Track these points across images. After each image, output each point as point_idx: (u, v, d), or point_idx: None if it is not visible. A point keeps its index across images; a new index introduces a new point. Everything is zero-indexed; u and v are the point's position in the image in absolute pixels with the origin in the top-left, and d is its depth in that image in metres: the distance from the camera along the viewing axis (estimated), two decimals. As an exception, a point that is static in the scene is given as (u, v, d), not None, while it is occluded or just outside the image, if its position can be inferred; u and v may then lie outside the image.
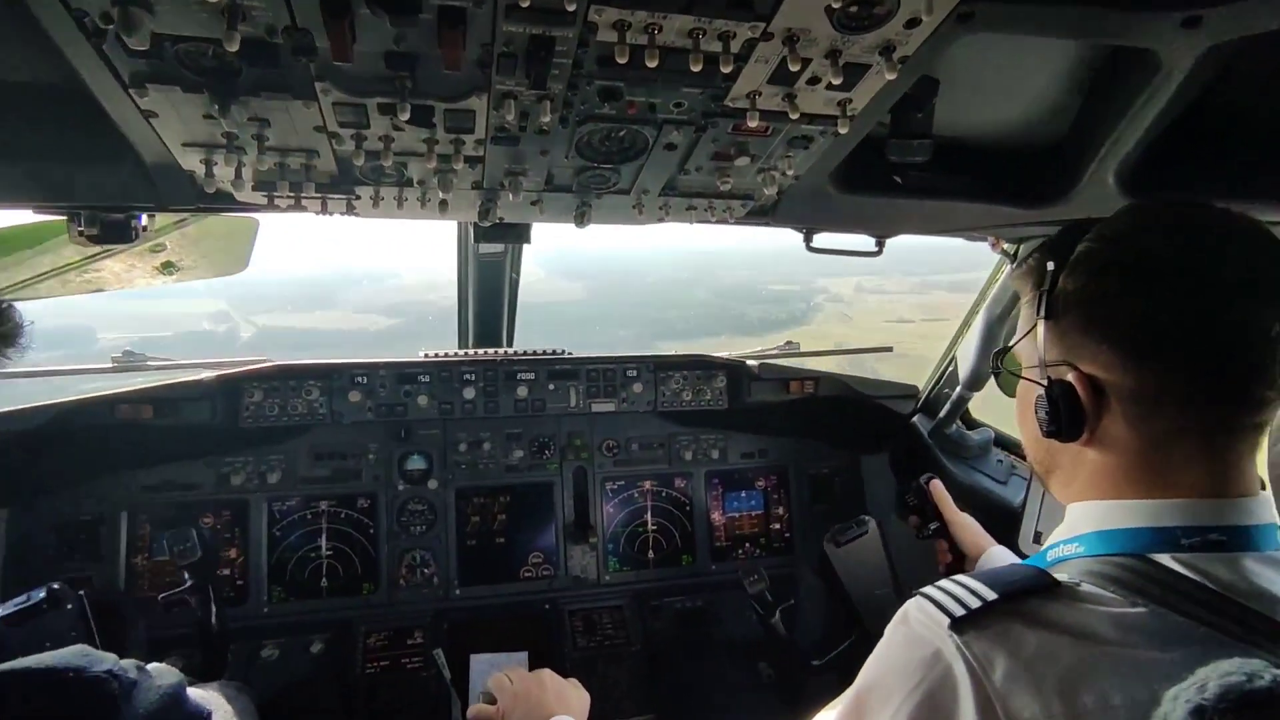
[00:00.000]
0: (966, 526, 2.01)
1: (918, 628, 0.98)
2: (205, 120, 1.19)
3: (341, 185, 1.44)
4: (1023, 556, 2.02)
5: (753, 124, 1.29)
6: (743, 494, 2.81)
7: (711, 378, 2.67)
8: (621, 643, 2.50)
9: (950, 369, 2.51)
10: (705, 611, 2.62)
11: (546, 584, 2.56)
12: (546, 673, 1.62)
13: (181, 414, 2.29)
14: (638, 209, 1.68)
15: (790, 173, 1.52)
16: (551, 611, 2.52)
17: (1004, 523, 2.17)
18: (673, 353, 2.70)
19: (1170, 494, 0.97)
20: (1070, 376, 1.01)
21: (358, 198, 1.50)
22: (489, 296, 2.67)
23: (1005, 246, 1.98)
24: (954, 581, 1.01)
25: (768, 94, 1.25)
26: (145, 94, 1.13)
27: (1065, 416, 1.02)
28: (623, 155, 1.44)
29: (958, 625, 0.92)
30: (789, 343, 2.70)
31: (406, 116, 1.15)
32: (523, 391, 2.57)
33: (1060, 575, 0.97)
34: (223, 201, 1.47)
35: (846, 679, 2.53)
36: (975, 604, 0.94)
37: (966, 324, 2.46)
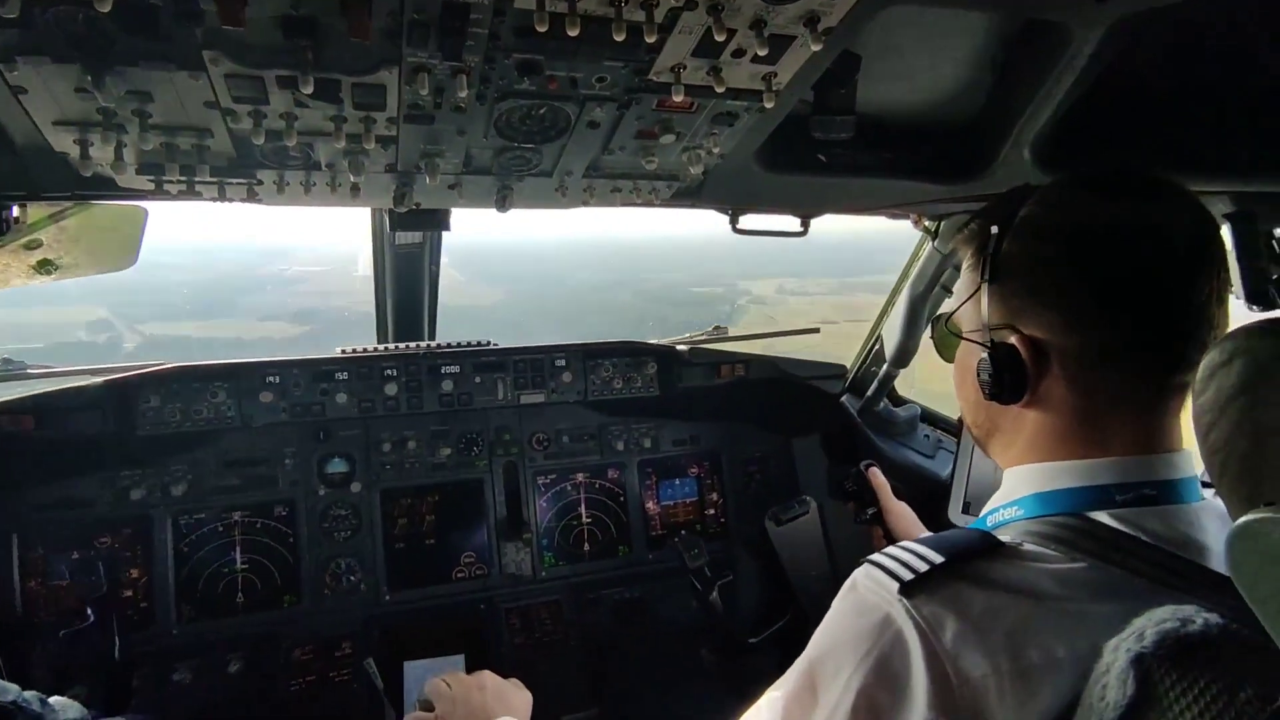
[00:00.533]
0: (902, 515, 2.07)
1: (867, 595, 0.98)
2: (78, 95, 1.07)
3: (241, 169, 1.33)
4: (952, 528, 2.09)
5: (678, 98, 1.25)
6: (676, 482, 2.80)
7: (642, 365, 2.65)
8: (560, 638, 2.45)
9: (876, 348, 2.57)
10: (643, 601, 2.60)
11: (481, 583, 2.48)
12: (486, 674, 1.57)
13: (68, 424, 2.10)
14: (561, 191, 1.63)
15: (716, 150, 1.50)
16: (487, 611, 2.45)
17: (933, 495, 2.25)
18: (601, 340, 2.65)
19: (1105, 453, 1.01)
20: (1013, 339, 1.04)
21: (259, 183, 1.39)
22: (408, 289, 2.55)
23: (926, 224, 2.03)
24: (900, 548, 1.02)
25: (692, 67, 1.22)
26: (14, 68, 1.01)
27: (1008, 378, 1.04)
28: (544, 134, 1.39)
29: (907, 590, 0.93)
30: (717, 327, 2.71)
31: (310, 90, 1.06)
32: (448, 386, 2.47)
33: (1003, 537, 0.99)
34: (104, 188, 1.34)
35: (783, 657, 2.59)
36: (923, 568, 0.95)
37: (890, 303, 2.52)
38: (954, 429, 2.65)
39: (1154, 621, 0.81)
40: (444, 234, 2.40)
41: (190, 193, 1.39)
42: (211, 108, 1.15)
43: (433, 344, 2.49)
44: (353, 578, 2.36)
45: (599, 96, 1.29)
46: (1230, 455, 0.80)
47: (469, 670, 2.26)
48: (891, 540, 2.07)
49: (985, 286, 1.08)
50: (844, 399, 2.72)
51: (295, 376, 2.32)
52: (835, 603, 1.03)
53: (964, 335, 1.16)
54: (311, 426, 2.36)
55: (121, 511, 2.19)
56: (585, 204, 1.72)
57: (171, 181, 1.32)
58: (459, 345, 2.49)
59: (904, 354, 2.30)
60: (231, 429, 2.28)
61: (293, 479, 2.35)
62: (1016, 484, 1.10)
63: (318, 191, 1.45)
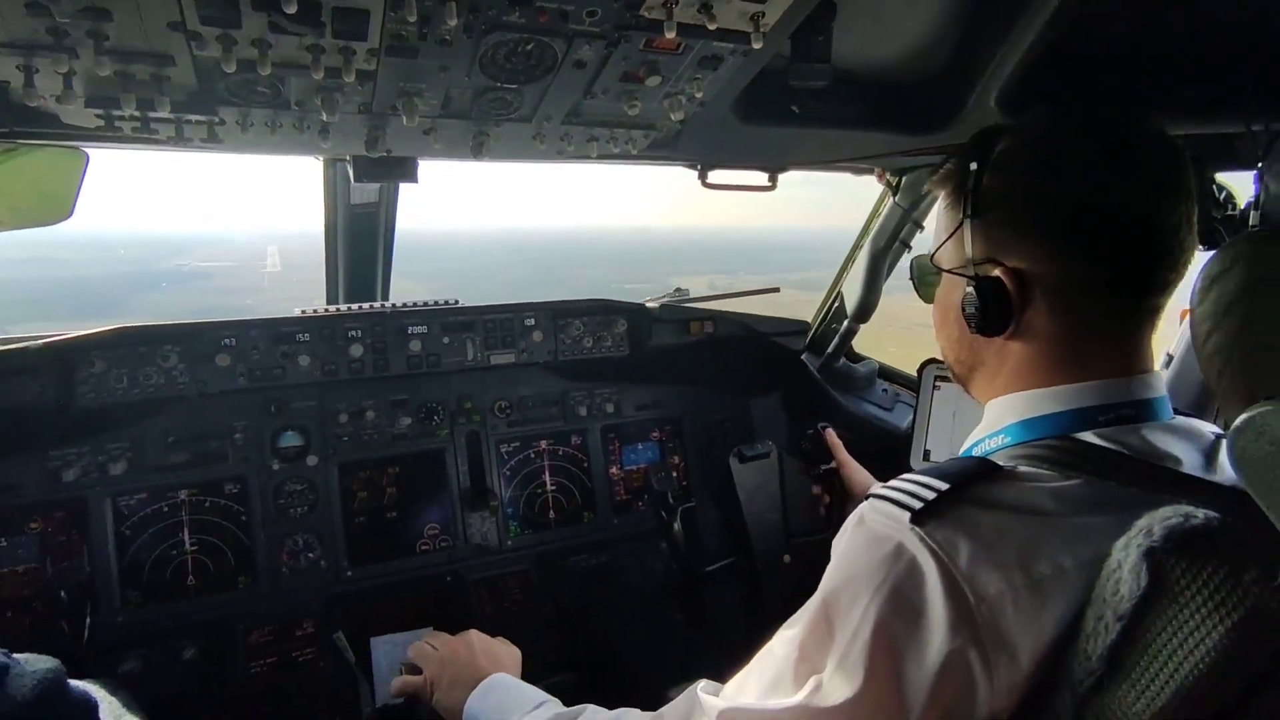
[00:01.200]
0: (857, 470, 2.16)
1: (877, 527, 1.00)
2: (29, 11, 0.97)
3: (202, 104, 1.24)
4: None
5: (670, 35, 1.23)
6: (639, 446, 2.80)
7: (612, 323, 2.62)
8: (530, 607, 2.42)
9: (835, 305, 2.63)
10: (610, 566, 2.59)
11: (446, 556, 2.42)
12: (473, 633, 1.54)
13: (3, 392, 1.92)
14: (539, 139, 1.59)
15: (699, 96, 1.49)
16: (454, 583, 2.39)
17: (893, 445, 2.32)
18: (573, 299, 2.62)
19: (1088, 376, 1.06)
20: (997, 271, 1.07)
21: (221, 122, 1.30)
22: (362, 248, 2.44)
23: (889, 178, 2.08)
24: (902, 480, 1.05)
25: (684, 3, 1.20)
26: None
27: (995, 310, 1.07)
28: (529, 74, 1.34)
29: (918, 518, 0.96)
30: (678, 289, 2.71)
31: (293, 10, 0.99)
32: (415, 346, 2.39)
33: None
34: (45, 125, 1.22)
35: (733, 593, 2.65)
36: (930, 496, 0.97)
37: (850, 260, 2.58)
38: (911, 383, 2.75)
39: (1159, 519, 0.86)
40: (399, 195, 2.32)
41: (144, 131, 1.28)
42: (176, 30, 1.06)
43: (398, 303, 2.39)
44: (311, 555, 2.27)
45: (588, 33, 1.26)
46: (1230, 358, 0.85)
47: (440, 642, 2.23)
48: (841, 496, 2.15)
49: (968, 222, 1.11)
50: (803, 356, 2.77)
51: (253, 338, 2.19)
52: (843, 538, 1.05)
53: (950, 270, 1.18)
54: (263, 399, 2.24)
55: (53, 495, 2.02)
56: (560, 154, 1.68)
57: (125, 118, 1.21)
58: (425, 304, 2.41)
59: (865, 309, 2.36)
60: (179, 399, 2.13)
61: (244, 454, 2.23)
62: (1002, 413, 1.14)
63: (284, 133, 1.36)
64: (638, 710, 1.21)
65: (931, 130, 1.72)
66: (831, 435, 2.18)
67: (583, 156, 1.70)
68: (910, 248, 2.38)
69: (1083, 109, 1.12)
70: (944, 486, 0.98)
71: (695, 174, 2.00)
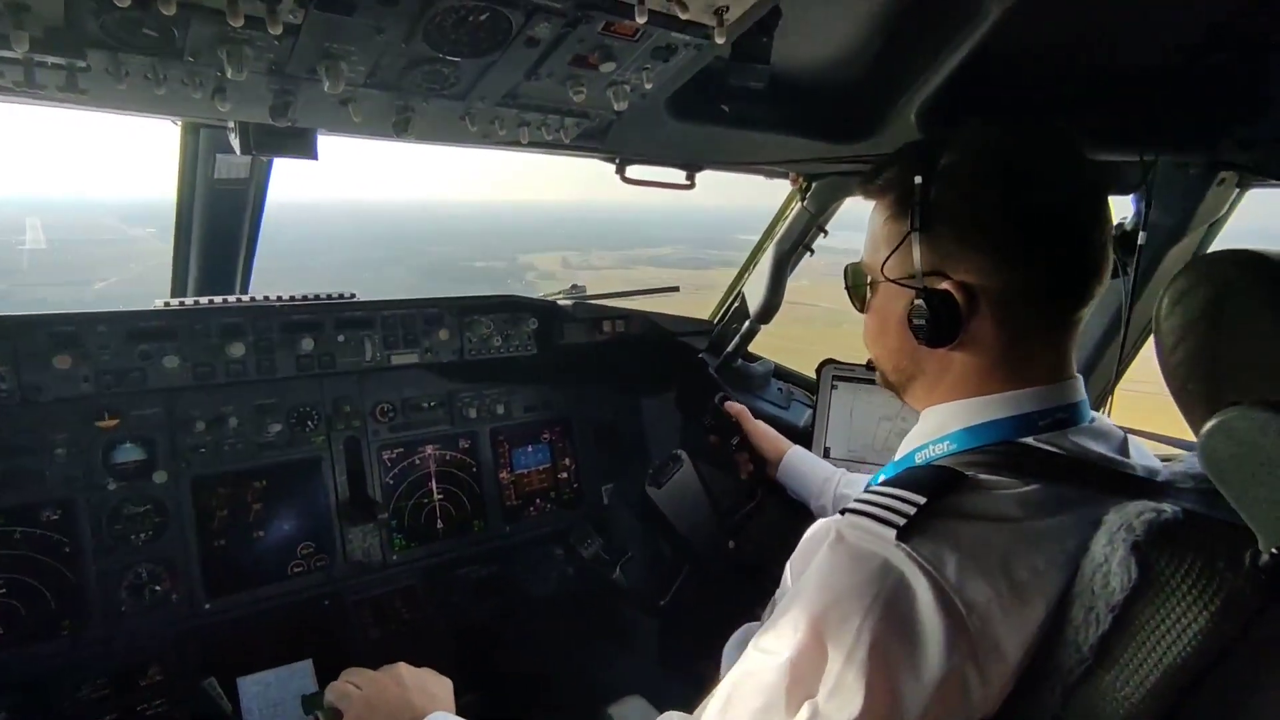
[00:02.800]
0: (765, 434, 2.17)
1: (859, 544, 1.00)
2: None
3: (66, 44, 0.98)
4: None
5: (640, 20, 1.15)
6: (529, 449, 2.68)
7: (521, 321, 2.47)
8: (420, 626, 2.23)
9: (736, 305, 2.65)
10: (503, 576, 2.45)
11: (323, 576, 2.17)
12: (402, 666, 1.37)
13: None
14: (467, 120, 1.44)
15: (647, 87, 1.41)
16: (333, 607, 2.15)
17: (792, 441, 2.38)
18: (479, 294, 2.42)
19: (1028, 383, 1.12)
20: (945, 285, 1.09)
21: (86, 68, 1.03)
22: (222, 231, 2.09)
23: (802, 183, 2.12)
24: (873, 494, 1.05)
25: (657, -13, 1.13)
26: None
27: (945, 322, 1.10)
28: (474, 46, 1.20)
29: (904, 534, 0.96)
30: (574, 286, 2.61)
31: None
32: (307, 345, 2.09)
33: None
34: None
35: (684, 614, 2.61)
36: (910, 510, 0.99)
37: (752, 261, 2.62)
38: (805, 383, 2.85)
39: (1134, 514, 0.92)
40: (271, 173, 2.03)
41: (-20, 73, 0.99)
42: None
43: (286, 296, 2.08)
44: (159, 588, 1.93)
45: (550, 8, 1.14)
46: (1194, 369, 0.92)
47: (319, 675, 1.99)
48: (759, 461, 2.17)
49: (915, 235, 1.13)
50: (701, 355, 2.78)
51: (102, 335, 1.81)
52: (822, 558, 1.04)
53: (897, 281, 1.18)
54: (91, 407, 1.87)
55: None
56: (486, 139, 1.54)
57: (-47, 53, 0.93)
58: (315, 297, 2.11)
59: (768, 309, 2.41)
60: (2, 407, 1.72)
61: (67, 473, 1.85)
62: (944, 420, 1.18)
63: (169, 91, 1.11)
64: None
65: (851, 139, 1.76)
66: (733, 404, 2.19)
67: (510, 142, 1.56)
68: (812, 251, 2.46)
69: (1014, 126, 1.17)
70: (920, 500, 0.99)
71: (613, 168, 1.93)
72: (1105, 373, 1.83)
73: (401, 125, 1.36)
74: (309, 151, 1.47)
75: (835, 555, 1.02)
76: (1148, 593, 0.88)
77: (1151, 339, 0.98)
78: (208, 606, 1.98)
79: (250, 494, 2.10)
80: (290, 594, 2.10)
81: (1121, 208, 1.71)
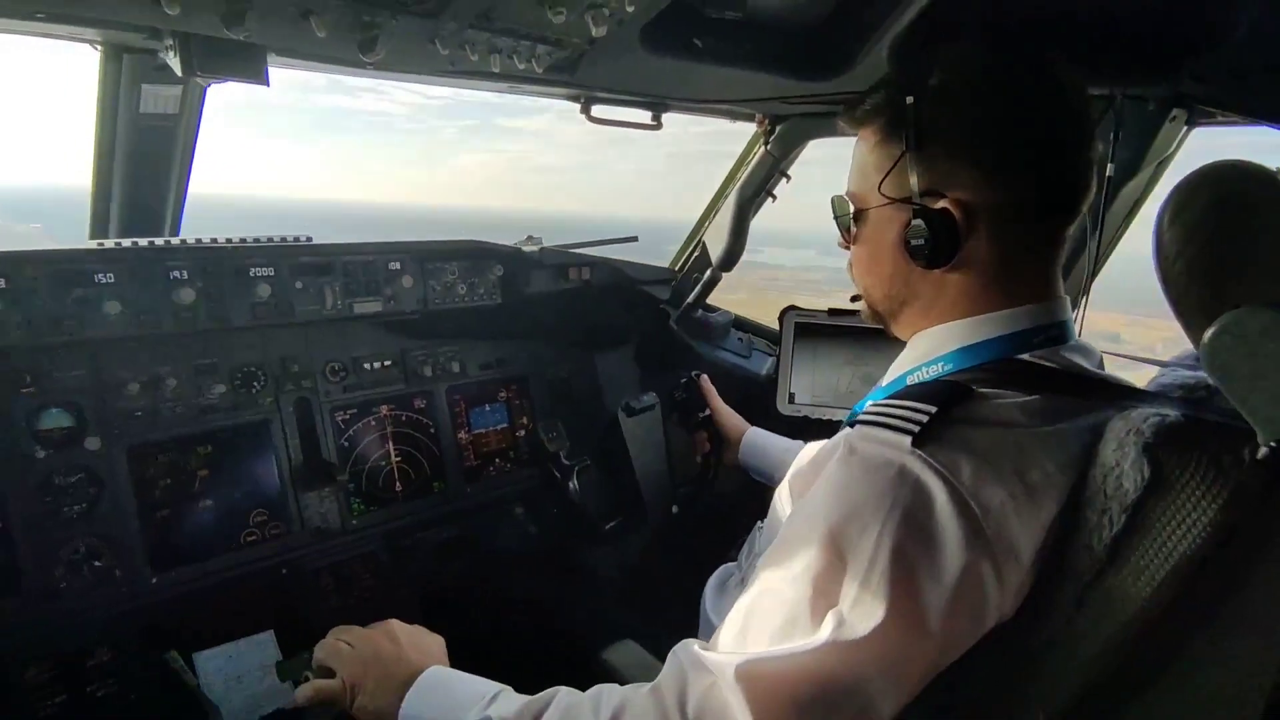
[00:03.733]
0: (731, 415, 2.21)
1: (874, 454, 1.01)
2: None
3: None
4: (781, 418, 2.27)
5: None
6: (486, 408, 2.59)
7: (486, 268, 2.36)
8: (383, 591, 2.15)
9: (696, 254, 2.63)
10: (465, 538, 2.39)
11: (280, 544, 2.05)
12: (394, 623, 1.32)
13: None
14: (438, 43, 1.35)
15: (630, 9, 1.36)
16: (291, 575, 2.04)
17: (753, 391, 2.40)
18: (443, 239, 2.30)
19: (1020, 301, 1.14)
20: (943, 203, 1.09)
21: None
22: (149, 170, 1.90)
23: (766, 125, 2.10)
24: (884, 405, 1.06)
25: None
26: None
27: (944, 241, 1.10)
28: (454, -46, 1.12)
29: (919, 441, 0.97)
30: (530, 237, 2.52)
31: None
32: (263, 291, 1.93)
33: None
34: None
35: (624, 546, 2.61)
36: (923, 418, 1.00)
37: (712, 208, 2.59)
38: (765, 332, 2.86)
39: (1141, 419, 0.96)
40: (204, 106, 1.85)
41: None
42: None
43: (232, 239, 1.90)
44: (98, 563, 1.78)
45: (536, -87, 1.07)
46: (1195, 275, 0.95)
47: (282, 645, 1.90)
48: (717, 441, 2.19)
49: (909, 155, 1.13)
50: (663, 306, 2.75)
51: (31, 279, 1.61)
52: (834, 470, 1.04)
53: (897, 201, 1.14)
54: (15, 364, 1.68)
55: None
56: (454, 65, 1.44)
57: None
58: (270, 240, 1.95)
59: (730, 257, 2.39)
60: None
61: None
62: (939, 342, 1.18)
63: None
64: (614, 685, 1.10)
65: (823, 76, 1.75)
66: (706, 382, 2.20)
67: (479, 71, 1.47)
68: (774, 197, 2.45)
69: (1001, 45, 1.18)
70: (932, 409, 1.00)
71: (578, 107, 1.86)
72: (1073, 287, 1.90)
73: (367, 45, 1.26)
74: (258, 74, 1.35)
75: (848, 467, 1.02)
76: (1159, 490, 0.91)
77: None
78: (154, 581, 1.85)
79: (194, 460, 1.95)
80: (245, 564, 1.99)
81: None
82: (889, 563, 0.93)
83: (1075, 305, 1.65)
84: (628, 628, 1.83)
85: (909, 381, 1.19)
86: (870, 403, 1.12)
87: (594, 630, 1.84)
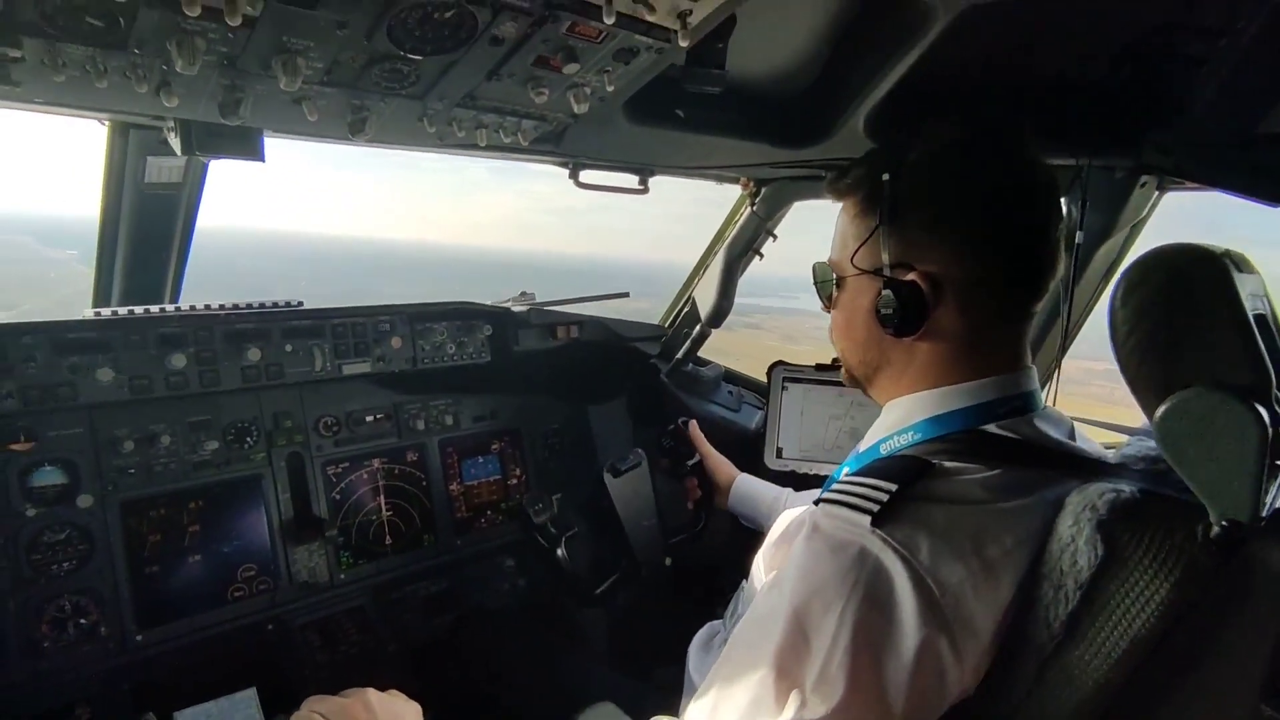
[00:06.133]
0: (721, 462, 2.22)
1: (836, 533, 1.03)
2: None
3: (4, 34, 0.90)
4: (769, 472, 2.28)
5: (608, 20, 1.15)
6: (479, 460, 2.62)
7: (475, 328, 2.41)
8: (373, 646, 2.15)
9: (687, 309, 2.67)
10: (455, 591, 2.39)
11: (267, 600, 2.06)
12: (370, 692, 1.31)
13: None
14: (426, 121, 1.41)
15: (610, 89, 1.42)
16: (277, 631, 2.04)
17: (742, 445, 2.42)
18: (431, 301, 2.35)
19: (987, 372, 1.17)
20: (912, 275, 1.13)
21: (20, 59, 0.96)
22: (151, 238, 1.96)
23: (752, 187, 2.16)
24: (846, 484, 1.09)
25: (625, -11, 1.14)
26: None
27: (912, 311, 1.14)
28: (438, 44, 1.18)
29: (878, 520, 0.99)
30: (524, 293, 2.57)
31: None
32: (253, 355, 1.98)
33: None
34: None
35: (616, 607, 2.57)
36: (883, 497, 1.02)
37: (702, 265, 2.64)
38: (755, 386, 2.88)
39: (1096, 495, 0.98)
40: (206, 178, 1.92)
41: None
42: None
43: (225, 305, 1.96)
44: (84, 621, 1.79)
45: (516, 7, 1.13)
46: (1147, 354, 0.98)
47: (264, 704, 1.89)
48: (707, 488, 2.21)
49: (881, 229, 1.17)
50: (653, 360, 2.78)
51: (26, 346, 1.66)
52: (799, 548, 1.06)
53: (867, 270, 1.20)
54: (11, 424, 1.72)
55: None
56: (443, 140, 1.51)
57: None
58: (260, 305, 2.00)
59: (719, 313, 2.43)
60: None
61: None
62: (908, 411, 1.22)
63: (110, 82, 1.04)
64: None
65: (802, 144, 1.81)
66: (694, 428, 2.22)
67: (467, 145, 1.54)
68: (762, 255, 2.50)
69: (978, 125, 1.23)
70: (893, 487, 1.02)
71: (566, 173, 1.92)
72: (1045, 360, 1.93)
73: (357, 125, 1.32)
74: (254, 152, 1.41)
75: (812, 545, 1.04)
76: (1112, 568, 0.93)
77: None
78: (140, 639, 1.85)
79: (185, 516, 1.98)
80: (231, 620, 1.99)
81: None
82: (850, 641, 0.94)
83: (1049, 375, 1.67)
84: (612, 685, 1.82)
85: (882, 450, 1.22)
86: (838, 479, 1.15)
87: (580, 686, 1.83)
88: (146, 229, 1.92)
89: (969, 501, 1.04)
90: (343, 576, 2.21)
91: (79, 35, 0.96)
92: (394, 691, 1.37)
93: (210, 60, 1.07)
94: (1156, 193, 1.78)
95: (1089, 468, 1.10)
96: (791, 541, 1.10)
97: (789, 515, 1.29)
